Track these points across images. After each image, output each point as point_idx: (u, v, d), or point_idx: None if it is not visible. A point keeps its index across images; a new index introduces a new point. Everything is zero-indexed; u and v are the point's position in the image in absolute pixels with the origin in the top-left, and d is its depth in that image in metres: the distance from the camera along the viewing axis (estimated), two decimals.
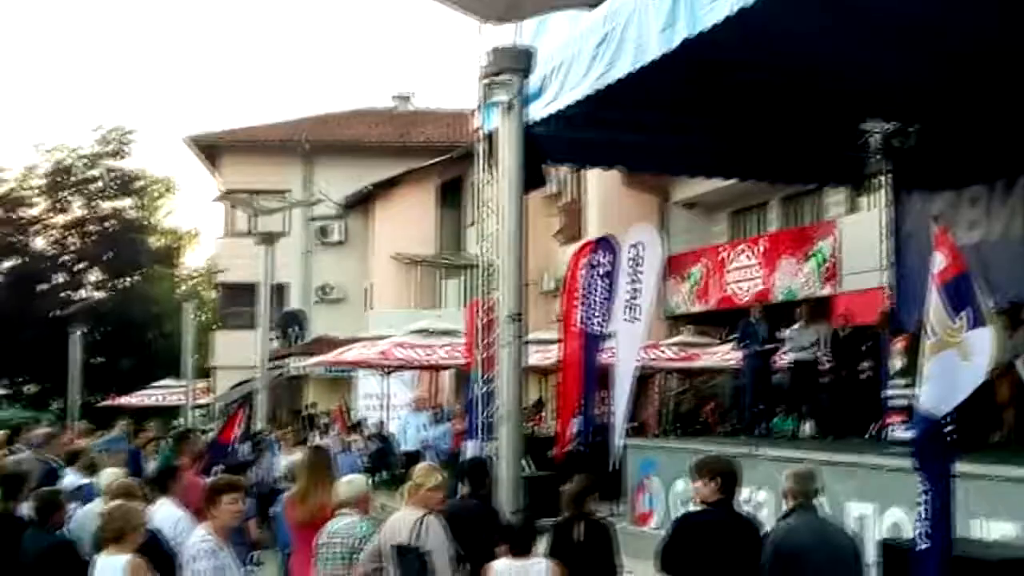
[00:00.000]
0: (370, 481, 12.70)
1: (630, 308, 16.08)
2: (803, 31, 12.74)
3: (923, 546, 6.63)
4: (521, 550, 6.67)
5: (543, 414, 24.58)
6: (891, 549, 8.16)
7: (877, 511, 10.53)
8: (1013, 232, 16.34)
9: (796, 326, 16.57)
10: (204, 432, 21.14)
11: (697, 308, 25.74)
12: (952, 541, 6.80)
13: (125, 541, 6.42)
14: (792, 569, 6.23)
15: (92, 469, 10.25)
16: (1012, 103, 14.31)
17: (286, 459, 14.92)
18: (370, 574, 7.03)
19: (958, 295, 6.75)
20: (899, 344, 13.01)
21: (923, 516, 6.66)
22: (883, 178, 18.61)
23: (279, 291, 29.60)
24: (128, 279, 44.62)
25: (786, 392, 18.41)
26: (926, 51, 13.26)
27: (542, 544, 8.00)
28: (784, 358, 17.82)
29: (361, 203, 36.31)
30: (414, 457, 18.70)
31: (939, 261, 6.87)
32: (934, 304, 6.79)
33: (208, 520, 6.70)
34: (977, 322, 6.68)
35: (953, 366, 6.65)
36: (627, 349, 16.10)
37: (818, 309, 19.29)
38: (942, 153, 17.02)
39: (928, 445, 6.75)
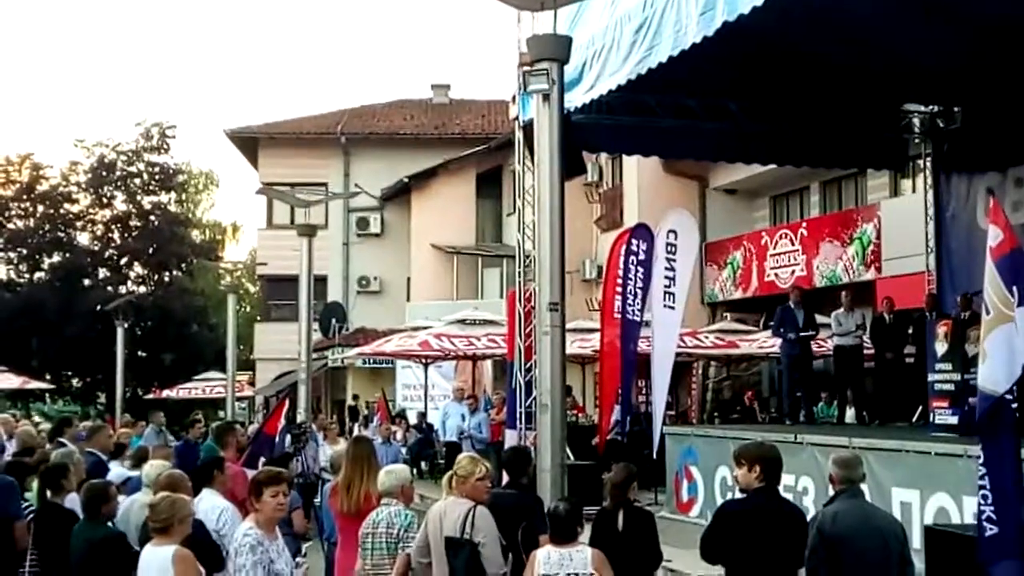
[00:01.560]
0: (412, 471, 12.77)
1: (666, 295, 16.03)
2: (844, 13, 12.64)
3: (991, 532, 6.48)
4: (564, 538, 6.65)
5: (580, 402, 24.53)
6: (936, 534, 8.09)
7: (922, 497, 10.44)
8: None
9: (840, 311, 16.45)
10: (243, 425, 21.32)
11: (737, 295, 25.61)
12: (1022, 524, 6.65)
13: (172, 532, 6.48)
14: (837, 554, 6.18)
15: (139, 461, 10.33)
16: None
17: (330, 450, 15.01)
18: (422, 568, 7.04)
19: (1012, 270, 6.61)
20: (942, 328, 12.89)
21: (988, 500, 6.49)
22: (923, 160, 18.44)
23: (319, 283, 29.72)
24: (171, 273, 45.08)
25: (829, 378, 18.29)
26: (968, 31, 13.12)
27: (584, 533, 8.00)
28: (826, 344, 17.70)
29: (399, 194, 36.39)
30: (455, 447, 18.74)
31: (994, 235, 6.73)
32: (990, 278, 6.64)
33: (252, 513, 6.73)
34: None
35: (1011, 341, 6.52)
36: (665, 336, 16.04)
37: (861, 294, 19.16)
38: (986, 134, 16.84)
39: (990, 424, 6.61)
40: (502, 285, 31.27)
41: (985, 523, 6.50)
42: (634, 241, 16.16)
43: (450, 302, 31.17)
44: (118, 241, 44.44)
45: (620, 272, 16.15)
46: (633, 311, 15.98)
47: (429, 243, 34.53)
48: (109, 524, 7.62)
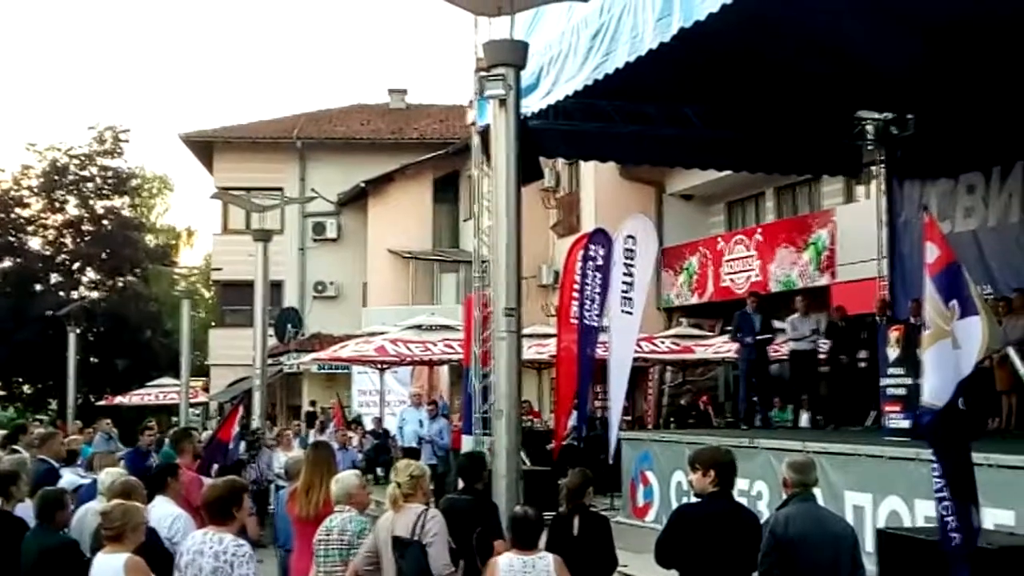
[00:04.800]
0: (368, 477, 12.70)
1: (624, 300, 16.07)
2: (799, 20, 12.76)
3: (955, 542, 6.56)
4: (527, 544, 6.63)
5: (536, 408, 24.57)
6: (889, 538, 8.15)
7: (875, 500, 10.53)
8: (1009, 219, 16.40)
9: (795, 316, 16.57)
10: (197, 431, 21.12)
11: (694, 300, 25.74)
12: (976, 531, 6.74)
13: (124, 540, 6.36)
14: (790, 558, 6.22)
15: (93, 469, 10.22)
16: (1007, 91, 14.33)
17: (284, 456, 14.92)
18: (365, 573, 7.02)
19: (949, 285, 6.75)
20: (894, 333, 13.03)
21: (950, 511, 6.57)
22: (877, 167, 18.63)
23: (274, 288, 29.57)
24: (124, 278, 44.65)
25: (784, 383, 18.42)
26: (921, 39, 13.27)
27: (540, 538, 8.00)
28: (782, 348, 17.85)
29: (356, 199, 36.30)
30: (413, 453, 18.70)
31: (931, 251, 6.87)
32: (929, 294, 6.79)
33: (231, 523, 6.44)
34: (967, 311, 6.68)
35: (948, 355, 6.65)
36: (622, 341, 16.08)
37: (816, 299, 19.32)
38: (938, 141, 17.06)
39: (940, 436, 6.69)
40: (459, 290, 31.26)
41: (952, 534, 6.57)
42: (592, 246, 16.19)
43: (407, 307, 31.12)
44: (70, 246, 43.96)
45: (577, 277, 16.18)
46: (590, 316, 16.00)
47: (386, 248, 34.46)
48: (62, 532, 7.52)
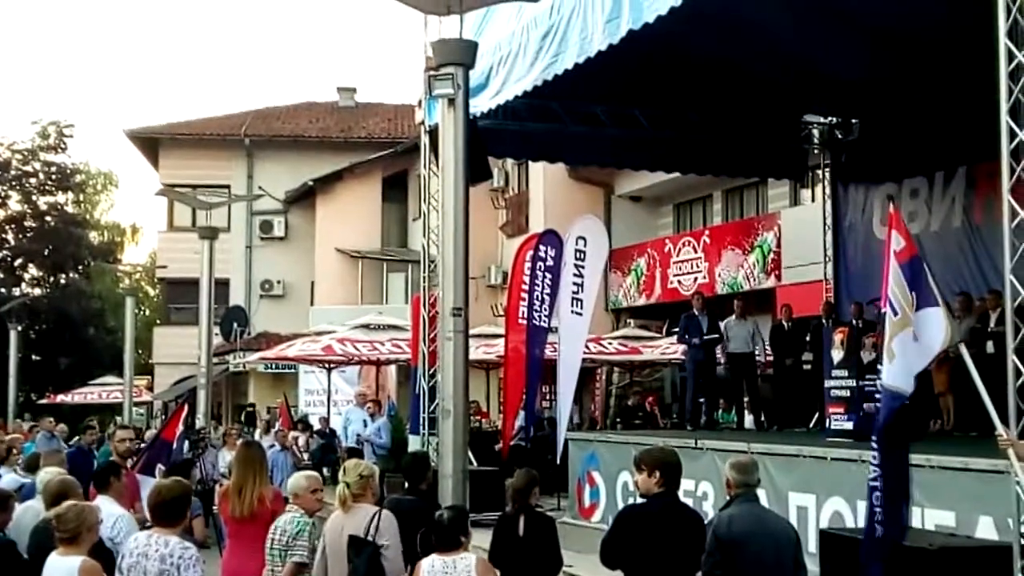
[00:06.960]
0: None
1: (574, 301, 16.08)
2: (747, 24, 12.86)
3: (880, 532, 6.60)
4: (447, 545, 6.54)
5: (484, 408, 24.58)
6: (831, 538, 8.23)
7: (818, 501, 10.62)
8: (952, 223, 16.61)
9: (731, 318, 16.64)
10: (140, 430, 20.90)
11: (641, 301, 25.84)
12: (905, 528, 6.79)
13: (80, 542, 6.20)
14: (733, 558, 6.25)
15: (33, 468, 10.09)
16: (950, 97, 14.52)
17: (229, 456, 14.82)
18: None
19: (913, 275, 6.79)
20: (838, 335, 13.16)
21: (880, 501, 6.60)
22: (822, 171, 18.82)
23: (221, 286, 29.32)
24: (67, 275, 44.13)
25: (729, 384, 18.54)
26: (866, 44, 13.43)
27: (485, 538, 7.99)
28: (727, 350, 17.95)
29: (304, 198, 36.11)
30: (356, 453, 18.63)
31: (897, 240, 6.90)
32: (896, 283, 6.81)
33: (176, 524, 6.36)
34: (927, 302, 6.73)
35: (910, 345, 6.69)
36: (571, 342, 16.09)
37: (759, 301, 19.46)
38: (882, 146, 17.25)
39: (892, 426, 6.73)
40: (407, 290, 31.18)
41: (877, 524, 6.62)
42: (542, 247, 16.19)
43: (355, 307, 30.99)
44: (12, 242, 43.43)
45: (526, 278, 16.17)
46: (540, 317, 16.00)
47: (334, 247, 34.30)
48: (1, 533, 7.40)
